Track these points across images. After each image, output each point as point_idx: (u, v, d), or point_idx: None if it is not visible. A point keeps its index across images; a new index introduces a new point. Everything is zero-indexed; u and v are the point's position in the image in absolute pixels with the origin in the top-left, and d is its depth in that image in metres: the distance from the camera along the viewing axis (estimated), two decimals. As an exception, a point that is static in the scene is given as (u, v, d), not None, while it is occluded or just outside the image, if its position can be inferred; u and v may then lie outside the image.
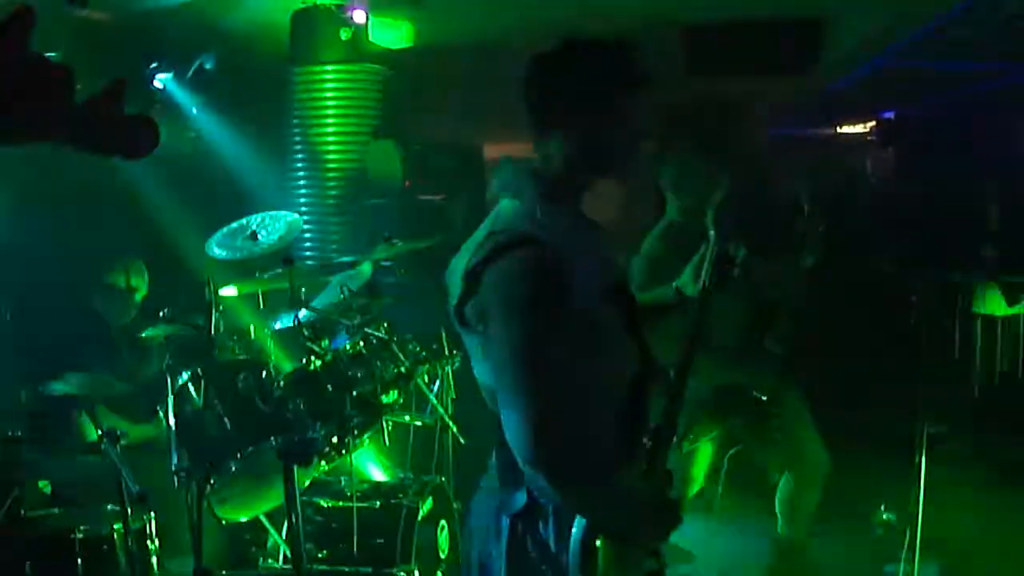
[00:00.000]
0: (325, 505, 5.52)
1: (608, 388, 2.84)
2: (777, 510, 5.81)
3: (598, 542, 2.76)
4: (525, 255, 2.70)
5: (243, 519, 5.53)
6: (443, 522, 5.62)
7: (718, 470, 5.80)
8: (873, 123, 13.34)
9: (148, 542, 4.91)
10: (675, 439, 3.09)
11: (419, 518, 5.39)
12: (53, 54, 6.79)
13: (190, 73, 8.65)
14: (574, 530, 2.76)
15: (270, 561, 5.50)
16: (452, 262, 2.94)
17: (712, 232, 3.37)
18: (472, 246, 2.83)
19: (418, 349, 5.67)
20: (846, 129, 13.73)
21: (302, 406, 5.22)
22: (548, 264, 2.69)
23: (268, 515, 5.50)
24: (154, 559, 4.95)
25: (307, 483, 5.59)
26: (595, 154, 2.88)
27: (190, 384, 5.22)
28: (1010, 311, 8.85)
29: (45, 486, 5.49)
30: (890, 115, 12.77)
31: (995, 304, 8.92)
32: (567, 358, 2.68)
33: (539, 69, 2.90)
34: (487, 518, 2.92)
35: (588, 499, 2.76)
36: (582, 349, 2.72)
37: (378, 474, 6.32)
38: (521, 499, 2.82)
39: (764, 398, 5.36)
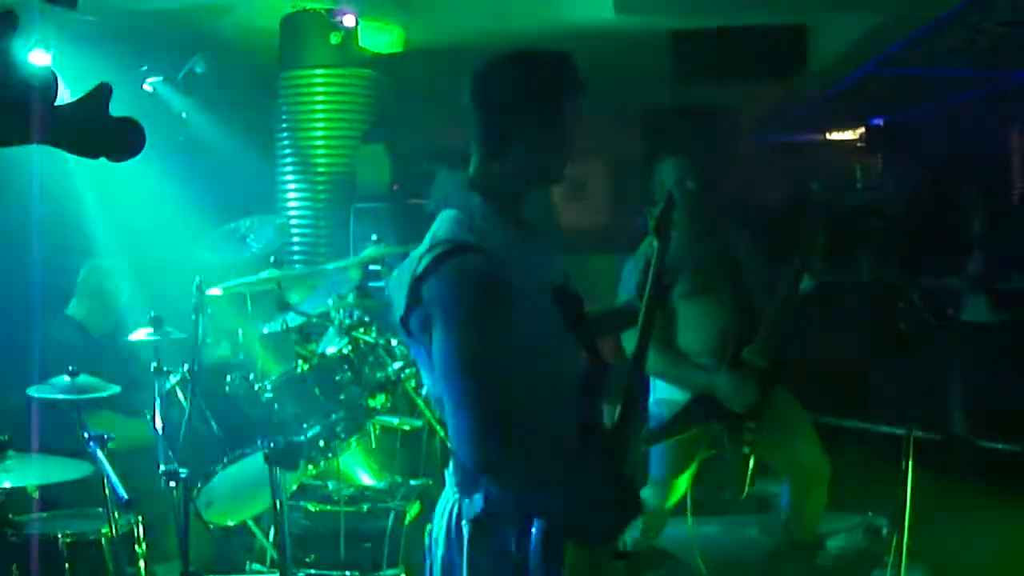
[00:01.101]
0: (312, 509, 5.51)
1: (553, 389, 2.86)
2: (787, 514, 5.82)
3: (561, 545, 2.78)
4: (464, 263, 2.73)
5: (230, 523, 5.52)
6: (430, 526, 5.61)
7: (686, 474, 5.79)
8: (862, 130, 13.36)
9: (135, 546, 4.89)
10: (634, 439, 3.12)
11: (406, 522, 5.38)
12: (42, 57, 6.78)
13: (180, 76, 8.64)
14: (534, 532, 2.77)
15: (257, 565, 5.49)
16: (395, 274, 2.97)
17: (656, 243, 3.39)
18: (415, 258, 2.85)
19: (406, 353, 5.66)
20: (835, 136, 13.75)
21: (289, 409, 5.22)
22: (487, 270, 2.72)
23: (255, 519, 5.49)
24: (141, 563, 4.94)
25: (294, 487, 5.58)
26: (532, 162, 2.91)
27: (177, 387, 5.21)
28: (996, 318, 8.87)
29: (32, 490, 5.48)
30: (879, 122, 12.79)
31: (982, 311, 8.94)
32: (510, 362, 2.70)
33: (477, 81, 2.92)
34: (448, 526, 2.93)
35: (538, 499, 2.77)
36: (525, 352, 2.74)
37: (366, 478, 6.32)
38: (479, 504, 2.83)
39: (739, 411, 5.35)
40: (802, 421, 5.62)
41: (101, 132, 1.79)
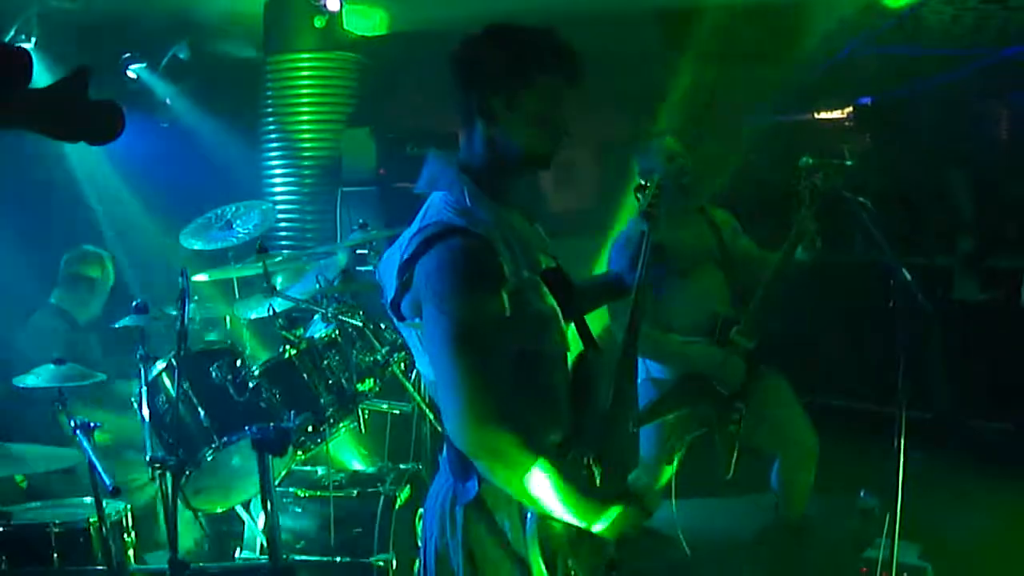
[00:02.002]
0: (302, 495, 5.49)
1: (545, 371, 2.84)
2: (774, 491, 5.83)
3: (554, 528, 2.76)
4: (454, 244, 2.72)
5: (219, 510, 5.50)
6: (421, 511, 5.59)
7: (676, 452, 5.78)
8: (850, 109, 13.34)
9: (124, 535, 4.87)
10: (629, 422, 3.11)
11: (397, 507, 5.37)
12: (25, 42, 6.74)
13: (164, 62, 8.60)
14: (528, 517, 2.75)
15: (247, 552, 5.47)
16: (384, 257, 2.96)
17: (647, 224, 3.38)
18: (404, 240, 2.83)
19: (394, 336, 5.64)
20: (823, 115, 13.73)
21: (277, 395, 5.20)
22: (477, 251, 2.72)
23: (244, 506, 5.47)
24: (131, 552, 4.92)
25: (283, 473, 5.56)
26: (519, 143, 2.89)
27: (164, 374, 5.18)
28: (986, 296, 8.87)
29: (21, 480, 5.46)
30: (867, 101, 12.77)
31: (972, 290, 8.94)
32: (501, 343, 2.69)
33: (458, 59, 2.90)
34: (442, 511, 2.91)
35: (530, 483, 2.73)
36: (515, 334, 2.73)
37: (355, 463, 6.30)
38: (473, 489, 2.82)
39: (725, 392, 5.36)
40: (790, 399, 5.64)
41: (80, 115, 1.76)
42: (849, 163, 5.09)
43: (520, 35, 2.87)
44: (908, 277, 4.51)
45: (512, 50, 2.85)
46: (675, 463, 5.64)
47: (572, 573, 2.84)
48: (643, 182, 3.71)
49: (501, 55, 2.84)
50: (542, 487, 2.71)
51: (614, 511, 2.80)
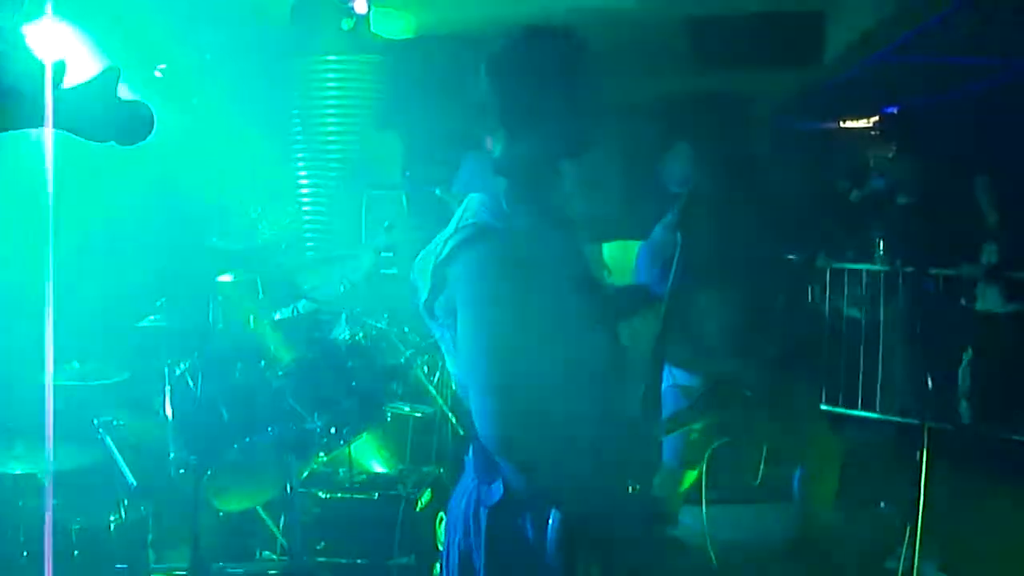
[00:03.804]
0: (323, 496, 5.50)
1: (578, 377, 2.84)
2: (798, 501, 5.83)
3: (578, 532, 2.76)
4: (491, 247, 2.72)
5: (240, 510, 5.51)
6: (441, 514, 5.59)
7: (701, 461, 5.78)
8: (876, 118, 13.31)
9: (145, 533, 4.89)
10: (655, 430, 3.12)
11: (417, 509, 5.37)
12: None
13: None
14: (551, 521, 2.75)
15: (267, 552, 5.48)
16: (420, 258, 2.95)
17: (679, 234, 3.39)
18: (440, 241, 2.84)
19: (417, 339, 5.65)
20: (850, 124, 13.70)
21: (300, 397, 5.21)
22: (513, 253, 2.71)
23: (265, 506, 5.48)
24: (151, 550, 4.94)
25: (305, 474, 5.57)
26: (554, 140, 2.89)
27: (188, 375, 5.20)
28: (1011, 307, 8.83)
29: (43, 476, 5.47)
30: (893, 110, 12.74)
31: (996, 301, 8.90)
32: (536, 347, 2.69)
33: (494, 62, 2.90)
34: (466, 512, 2.92)
35: (559, 487, 2.74)
36: (551, 338, 2.72)
37: (376, 465, 6.31)
38: (498, 491, 2.82)
39: (749, 395, 5.36)
40: (814, 408, 5.64)
41: (109, 115, 1.77)
42: (874, 173, 5.09)
43: (559, 38, 2.88)
44: (932, 287, 4.50)
45: (555, 52, 2.86)
46: (702, 470, 5.64)
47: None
48: (675, 190, 3.70)
49: (543, 57, 2.85)
50: (567, 490, 2.73)
51: (638, 510, 2.85)
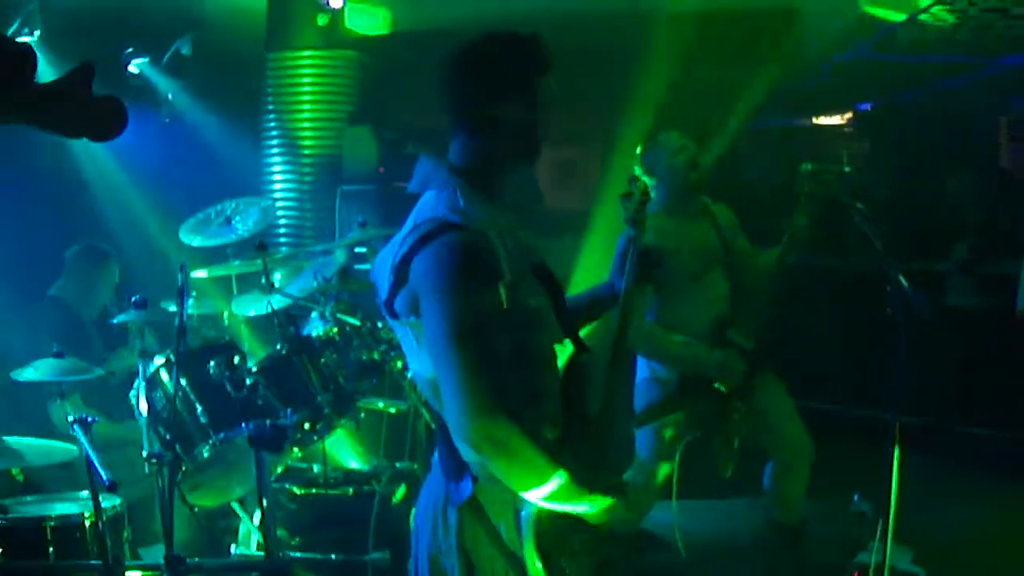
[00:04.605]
0: (298, 492, 5.51)
1: (537, 367, 2.87)
2: (769, 495, 5.84)
3: (548, 527, 2.78)
4: (450, 240, 2.74)
5: (215, 506, 5.51)
6: (415, 511, 5.60)
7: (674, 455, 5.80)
8: (850, 114, 13.34)
9: (121, 529, 4.88)
10: (621, 420, 3.14)
11: (392, 504, 5.38)
12: (28, 36, 6.74)
13: (166, 58, 8.60)
14: (522, 516, 2.77)
15: (242, 548, 5.48)
16: (379, 256, 2.98)
17: (633, 231, 3.40)
18: (398, 240, 2.85)
19: (391, 336, 5.64)
20: (823, 120, 13.73)
21: (274, 392, 5.20)
22: (474, 247, 2.74)
23: (240, 502, 5.48)
24: (127, 546, 4.92)
25: (279, 470, 5.57)
26: (510, 142, 2.94)
27: (162, 370, 5.19)
28: (982, 303, 8.88)
29: (18, 473, 5.46)
30: (867, 107, 12.78)
31: (968, 296, 8.94)
32: (499, 337, 2.73)
33: (453, 62, 2.94)
34: (434, 512, 2.93)
35: (529, 477, 2.76)
36: (512, 328, 2.75)
37: (351, 461, 6.31)
38: (467, 489, 2.83)
39: (723, 390, 5.39)
40: (786, 402, 5.65)
41: (82, 111, 1.77)
42: (847, 170, 5.11)
43: (519, 41, 2.92)
44: (904, 283, 4.52)
45: (514, 56, 2.90)
46: (675, 464, 5.65)
47: (566, 573, 2.86)
48: (629, 189, 3.71)
49: (503, 61, 2.90)
50: (541, 478, 2.75)
51: (604, 501, 2.87)
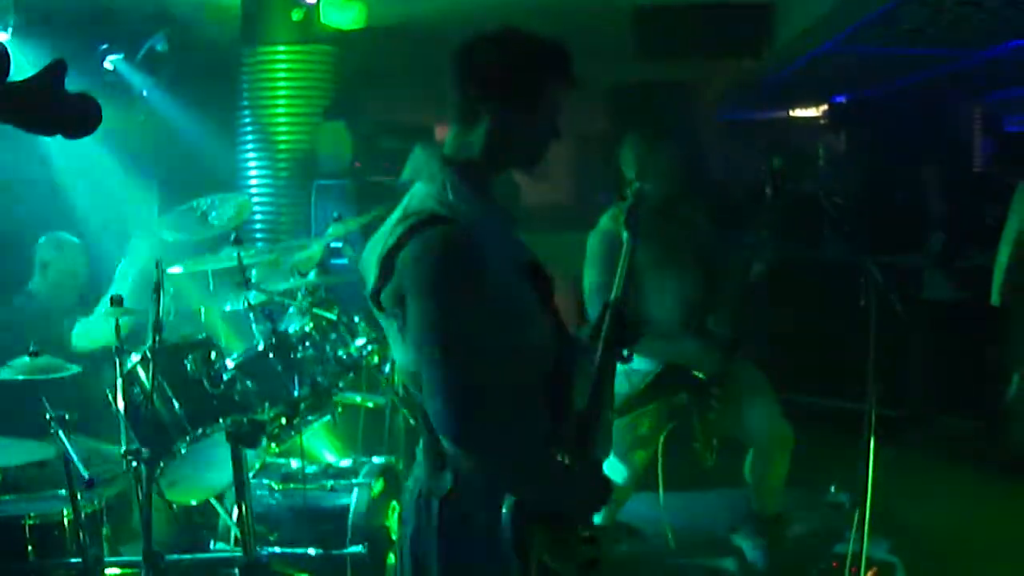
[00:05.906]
0: (276, 487, 5.50)
1: (527, 364, 2.86)
2: (749, 485, 5.87)
3: (531, 521, 2.79)
4: (439, 233, 2.72)
5: (193, 502, 5.51)
6: (394, 503, 5.60)
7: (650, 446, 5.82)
8: (825, 107, 13.40)
9: (99, 527, 4.87)
10: (606, 415, 3.14)
11: (370, 499, 5.38)
12: (2, 32, 6.71)
13: (141, 54, 8.57)
14: (504, 509, 2.77)
15: (221, 544, 5.48)
16: (367, 248, 2.96)
17: (626, 234, 3.41)
18: (386, 231, 2.84)
19: (368, 330, 5.65)
20: (798, 113, 13.78)
21: (251, 388, 5.20)
22: (462, 241, 2.72)
23: (218, 497, 5.48)
24: (105, 544, 4.92)
25: (257, 465, 5.57)
26: (512, 144, 2.92)
27: (139, 366, 5.18)
28: (956, 295, 8.93)
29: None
30: (842, 99, 12.83)
31: (942, 288, 9.00)
32: (486, 333, 2.70)
33: (469, 55, 2.91)
34: (417, 505, 2.93)
35: (512, 473, 2.79)
36: (500, 324, 2.74)
37: (329, 455, 6.31)
38: (448, 481, 2.83)
39: (702, 377, 5.42)
40: (765, 391, 5.68)
41: (56, 108, 1.77)
42: (820, 163, 5.14)
43: (539, 45, 2.89)
44: (879, 275, 4.55)
45: (529, 59, 2.87)
46: (657, 455, 5.68)
47: (549, 566, 2.86)
48: (623, 193, 3.72)
49: (517, 61, 2.86)
50: (519, 475, 2.78)
51: (587, 494, 2.90)
